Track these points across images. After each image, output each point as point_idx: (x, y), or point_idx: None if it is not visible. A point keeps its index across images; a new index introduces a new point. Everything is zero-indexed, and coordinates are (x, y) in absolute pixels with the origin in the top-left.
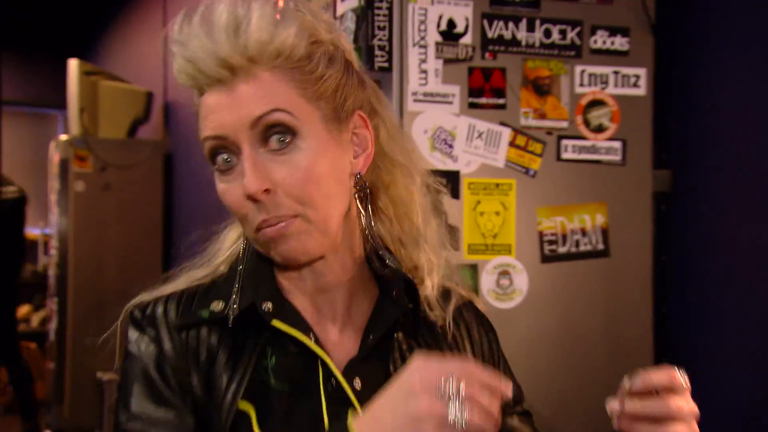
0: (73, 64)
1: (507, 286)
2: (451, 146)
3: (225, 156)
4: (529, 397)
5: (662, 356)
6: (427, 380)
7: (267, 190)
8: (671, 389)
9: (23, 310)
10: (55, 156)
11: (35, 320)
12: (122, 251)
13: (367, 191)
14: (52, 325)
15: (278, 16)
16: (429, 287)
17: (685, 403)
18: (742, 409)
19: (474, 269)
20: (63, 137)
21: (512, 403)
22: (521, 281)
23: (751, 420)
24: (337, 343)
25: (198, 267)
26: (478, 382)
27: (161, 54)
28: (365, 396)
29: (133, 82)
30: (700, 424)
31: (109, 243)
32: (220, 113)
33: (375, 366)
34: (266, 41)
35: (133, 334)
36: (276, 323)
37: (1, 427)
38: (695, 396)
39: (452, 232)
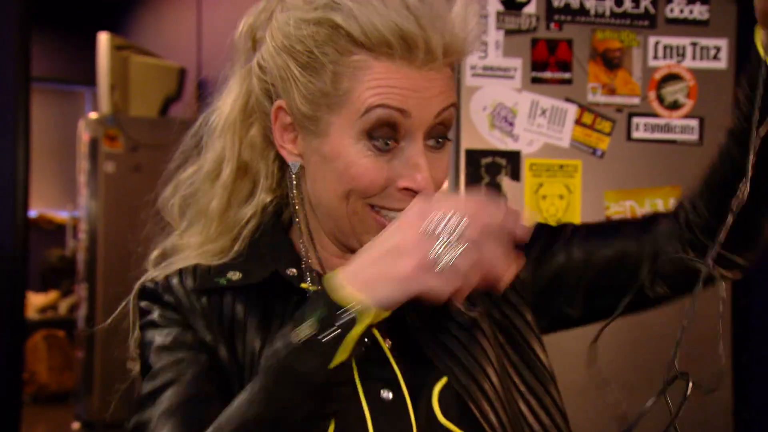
0: (103, 39)
1: None
2: (511, 124)
3: (386, 138)
4: (596, 392)
5: (741, 351)
6: (419, 214)
7: None
8: None
9: (50, 296)
10: (84, 135)
11: (63, 307)
12: (153, 236)
13: None
14: (81, 312)
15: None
16: None
17: None
18: None
19: None
20: (93, 115)
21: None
22: None
23: None
24: None
25: (211, 243)
26: (483, 225)
27: (195, 28)
28: (398, 355)
29: (165, 57)
30: None
31: (139, 227)
32: (408, 90)
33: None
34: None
35: (149, 305)
36: (304, 285)
37: (29, 416)
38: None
39: None
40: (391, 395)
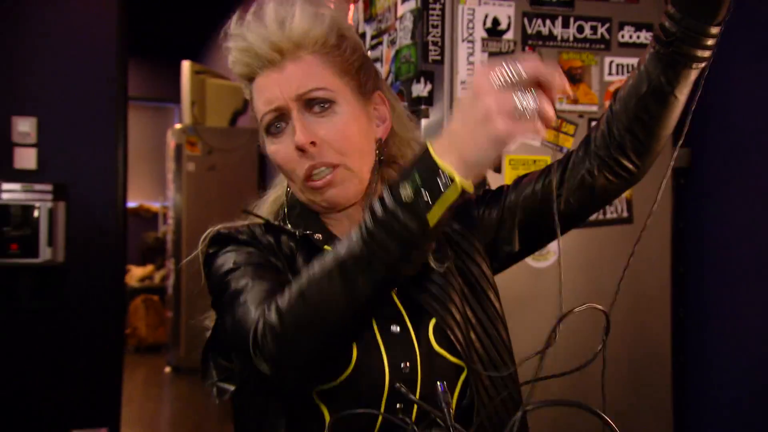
0: (185, 65)
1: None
2: None
3: (277, 124)
4: (563, 348)
5: (678, 308)
6: (487, 78)
7: (313, 143)
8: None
9: (147, 269)
10: (171, 142)
11: (157, 277)
12: (224, 222)
13: (382, 152)
14: (170, 282)
15: (315, 14)
16: None
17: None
18: (757, 351)
19: None
20: (177, 126)
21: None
22: (554, 244)
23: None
24: None
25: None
26: (537, 65)
27: None
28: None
29: (234, 79)
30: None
31: (213, 215)
32: (272, 89)
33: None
34: (307, 31)
35: (223, 244)
36: (327, 248)
37: (131, 363)
38: (712, 342)
39: None
40: (398, 329)
